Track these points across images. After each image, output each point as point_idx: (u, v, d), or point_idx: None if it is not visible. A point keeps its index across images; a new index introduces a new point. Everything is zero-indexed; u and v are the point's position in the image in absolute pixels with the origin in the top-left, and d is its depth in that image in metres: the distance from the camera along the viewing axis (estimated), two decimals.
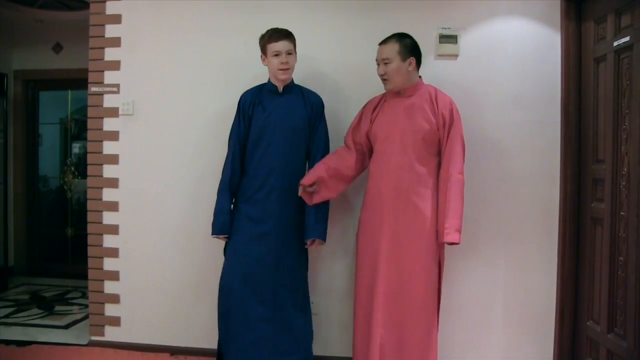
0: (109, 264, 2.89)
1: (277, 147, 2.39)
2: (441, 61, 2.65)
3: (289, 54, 2.36)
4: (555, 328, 2.59)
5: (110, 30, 2.87)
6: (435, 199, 2.28)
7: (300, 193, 2.38)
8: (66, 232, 4.82)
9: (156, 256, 2.84)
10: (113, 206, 2.88)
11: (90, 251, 2.91)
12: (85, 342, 2.94)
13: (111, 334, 2.90)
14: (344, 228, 2.71)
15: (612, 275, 2.22)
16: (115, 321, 2.89)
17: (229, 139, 2.47)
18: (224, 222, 2.40)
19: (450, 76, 2.62)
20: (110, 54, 2.87)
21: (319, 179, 2.37)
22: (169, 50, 2.83)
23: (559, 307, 2.57)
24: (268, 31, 2.38)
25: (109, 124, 2.88)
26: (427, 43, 2.62)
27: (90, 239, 2.91)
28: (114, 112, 2.87)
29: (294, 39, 2.40)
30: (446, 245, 2.33)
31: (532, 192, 2.61)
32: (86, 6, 2.98)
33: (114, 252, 2.88)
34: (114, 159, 2.88)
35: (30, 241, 4.78)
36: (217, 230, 2.41)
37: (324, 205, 2.45)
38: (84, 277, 2.98)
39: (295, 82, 2.52)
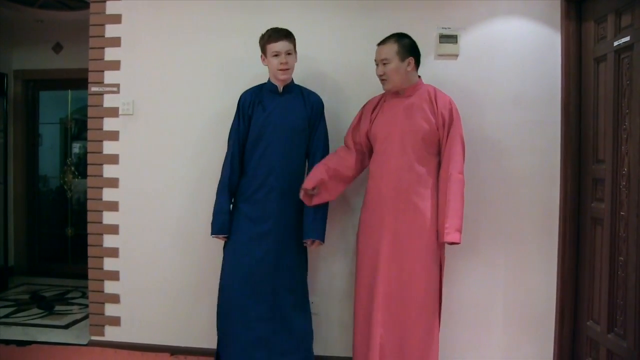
0: (109, 263, 2.89)
1: (276, 146, 2.39)
2: (441, 61, 2.65)
3: (289, 54, 2.36)
4: (555, 328, 2.59)
5: (111, 30, 2.87)
6: (435, 198, 2.28)
7: (301, 196, 2.37)
8: (66, 232, 4.83)
9: (156, 256, 2.84)
10: (113, 206, 2.88)
11: (90, 251, 2.91)
12: (85, 342, 2.94)
13: (111, 333, 2.90)
14: (344, 228, 2.71)
15: (612, 275, 2.22)
16: (115, 321, 2.89)
17: (229, 138, 2.47)
18: (223, 222, 2.40)
19: (451, 76, 2.62)
20: (110, 53, 2.87)
21: (320, 182, 2.36)
22: (169, 50, 2.83)
23: (559, 307, 2.57)
24: (268, 31, 2.38)
25: (109, 124, 2.88)
26: (427, 43, 2.62)
27: (90, 239, 2.91)
28: (114, 112, 2.87)
29: (294, 39, 2.40)
30: (446, 245, 2.33)
31: (532, 192, 2.61)
32: (86, 6, 2.98)
33: (114, 252, 2.88)
34: (114, 159, 2.88)
35: (30, 241, 4.78)
36: (216, 230, 2.41)
37: (323, 206, 2.45)
38: (84, 277, 2.98)
39: (296, 82, 2.52)
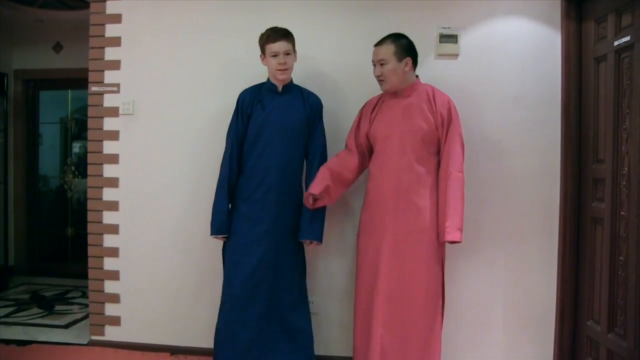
0: (109, 263, 2.89)
1: (275, 146, 2.38)
2: (441, 61, 2.65)
3: (287, 54, 2.36)
4: (555, 328, 2.59)
5: (111, 30, 2.87)
6: (435, 198, 2.28)
7: (310, 203, 2.36)
8: (66, 231, 4.83)
9: (156, 256, 2.84)
10: (113, 206, 2.88)
11: (91, 251, 2.91)
12: (85, 342, 2.94)
13: (111, 333, 2.90)
14: (344, 228, 2.71)
15: (613, 274, 2.22)
16: (116, 321, 2.89)
17: (227, 136, 2.47)
18: (222, 222, 2.40)
19: (451, 76, 2.62)
20: (110, 53, 2.87)
21: (325, 188, 2.35)
22: (169, 49, 2.83)
23: (559, 306, 2.57)
24: (267, 31, 2.38)
25: (109, 124, 2.88)
26: (427, 43, 2.62)
27: (91, 239, 2.91)
28: (114, 112, 2.87)
29: (293, 39, 2.40)
30: (447, 245, 2.33)
31: (532, 192, 2.61)
32: (86, 6, 2.98)
33: (114, 252, 2.88)
34: (114, 159, 2.88)
35: (31, 241, 4.78)
36: (215, 230, 2.41)
37: (321, 206, 2.45)
38: (84, 276, 2.98)
39: (295, 81, 2.52)
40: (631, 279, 2.07)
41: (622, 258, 2.16)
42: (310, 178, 2.44)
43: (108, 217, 2.88)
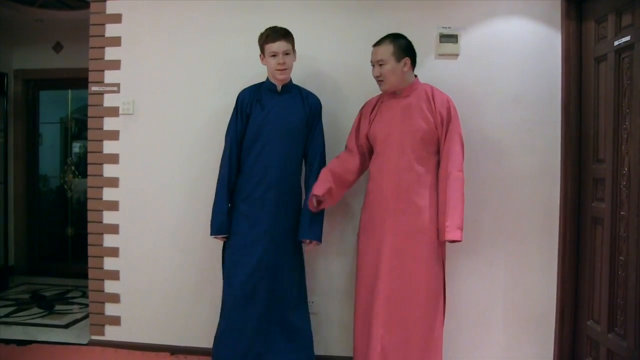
0: (109, 263, 2.88)
1: (274, 145, 2.38)
2: (442, 61, 2.65)
3: (287, 54, 2.36)
4: (555, 328, 2.59)
5: (111, 30, 2.87)
6: (436, 198, 2.28)
7: (314, 205, 2.36)
8: (66, 231, 4.83)
9: (156, 255, 2.84)
10: (113, 205, 2.88)
11: (91, 250, 2.91)
12: (85, 342, 2.94)
13: (111, 333, 2.90)
14: (344, 228, 2.71)
15: (613, 274, 2.22)
16: (116, 320, 2.89)
17: (226, 136, 2.47)
18: (222, 222, 2.40)
19: (451, 76, 2.62)
20: (110, 53, 2.87)
21: (328, 190, 2.36)
22: (169, 49, 2.83)
23: (559, 306, 2.57)
24: (266, 30, 2.38)
25: (109, 124, 2.88)
26: (427, 43, 2.62)
27: (91, 239, 2.91)
28: (114, 112, 2.87)
29: (292, 39, 2.39)
30: (447, 245, 2.33)
31: (532, 192, 2.61)
32: (86, 5, 2.97)
33: (114, 252, 2.88)
34: (114, 159, 2.87)
35: (31, 240, 4.78)
36: (215, 230, 2.41)
37: None
38: (84, 276, 2.98)
39: (295, 81, 2.52)
40: (631, 279, 2.07)
41: (622, 258, 2.16)
42: (310, 179, 2.44)
43: (108, 217, 2.88)
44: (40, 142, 4.81)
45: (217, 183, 2.45)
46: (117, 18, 2.86)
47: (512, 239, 2.62)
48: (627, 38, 2.13)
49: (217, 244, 2.51)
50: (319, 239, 2.44)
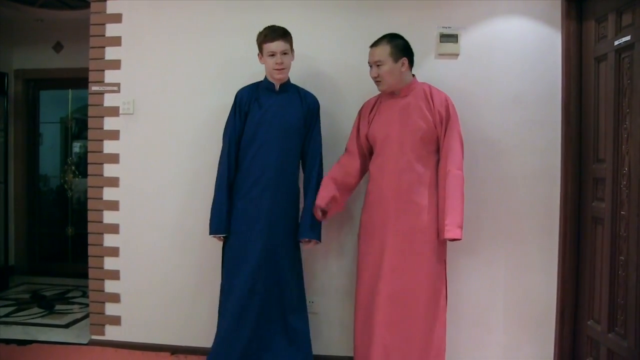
0: (109, 263, 2.89)
1: (272, 144, 2.38)
2: (442, 60, 2.65)
3: (285, 54, 2.36)
4: (555, 327, 2.59)
5: (111, 30, 2.87)
6: (436, 197, 2.28)
7: (320, 215, 2.37)
8: (66, 231, 4.83)
9: (157, 255, 2.84)
10: (113, 205, 2.88)
11: (91, 250, 2.91)
12: (85, 341, 2.94)
13: (111, 333, 2.90)
14: (343, 228, 2.71)
15: (613, 274, 2.22)
16: (116, 320, 2.89)
17: (224, 134, 2.47)
18: (220, 221, 2.40)
19: (451, 75, 2.62)
20: (110, 53, 2.87)
21: (332, 199, 2.37)
22: (170, 49, 2.83)
23: (559, 306, 2.57)
24: (264, 30, 2.38)
25: (109, 123, 2.88)
26: (427, 42, 2.62)
27: (91, 238, 2.91)
28: (114, 111, 2.87)
29: (291, 38, 2.39)
30: (448, 243, 2.32)
31: (533, 192, 2.61)
32: (87, 5, 2.98)
33: (114, 251, 2.88)
34: (114, 158, 2.88)
35: (31, 240, 4.78)
36: (213, 230, 2.42)
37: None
38: (85, 276, 2.98)
39: (294, 81, 2.52)
40: (631, 279, 2.07)
41: (622, 258, 2.16)
42: (310, 182, 2.45)
43: (108, 217, 2.88)
44: (40, 141, 4.81)
45: (216, 182, 2.45)
46: (117, 18, 2.86)
47: (512, 238, 2.62)
48: (628, 38, 2.13)
49: (217, 243, 2.51)
50: (319, 237, 2.44)
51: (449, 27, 2.64)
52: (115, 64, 2.86)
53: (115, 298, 2.88)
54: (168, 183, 2.83)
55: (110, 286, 2.89)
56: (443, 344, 2.29)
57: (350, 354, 2.48)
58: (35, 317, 3.44)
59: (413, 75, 2.39)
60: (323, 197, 2.37)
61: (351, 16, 2.70)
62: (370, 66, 2.34)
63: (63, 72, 4.52)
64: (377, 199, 2.34)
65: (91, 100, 2.90)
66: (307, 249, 2.50)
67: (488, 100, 2.62)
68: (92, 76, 2.89)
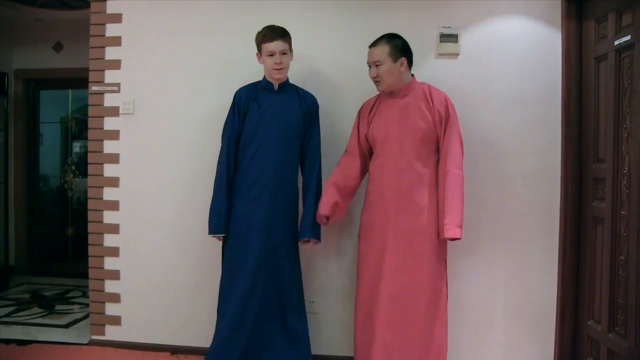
0: (109, 263, 2.89)
1: (270, 144, 2.38)
2: (442, 60, 2.65)
3: (284, 53, 2.36)
4: (555, 327, 2.59)
5: (111, 30, 2.87)
6: (436, 197, 2.28)
7: (324, 222, 2.39)
8: (67, 231, 4.83)
9: (157, 255, 2.84)
10: (113, 205, 2.88)
11: (91, 250, 2.91)
12: (85, 341, 2.94)
13: (112, 333, 2.90)
14: (343, 228, 2.71)
15: (613, 274, 2.22)
16: (116, 320, 2.89)
17: (223, 134, 2.47)
18: (220, 221, 2.40)
19: (451, 75, 2.62)
20: (110, 53, 2.87)
21: (335, 205, 2.38)
22: (170, 49, 2.83)
23: (559, 306, 2.57)
24: (263, 29, 2.38)
25: (109, 123, 2.88)
26: (427, 42, 2.62)
27: (91, 238, 2.91)
28: (114, 111, 2.87)
29: (289, 38, 2.39)
30: (448, 243, 2.32)
31: (533, 192, 2.61)
32: (87, 5, 2.98)
33: (114, 251, 2.88)
34: (114, 158, 2.88)
35: (31, 240, 4.78)
36: (212, 229, 2.42)
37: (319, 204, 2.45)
38: (85, 276, 2.98)
39: (294, 81, 2.52)
40: (632, 279, 2.07)
41: (622, 257, 2.16)
42: (309, 181, 2.45)
43: (108, 217, 2.88)
44: (40, 141, 4.81)
45: (215, 182, 2.45)
46: (117, 18, 2.86)
47: (512, 238, 2.62)
48: (628, 38, 2.13)
49: (217, 243, 2.51)
50: (319, 237, 2.45)
51: (449, 27, 2.64)
52: (115, 64, 2.86)
53: (115, 298, 2.88)
54: (168, 183, 2.83)
55: (110, 286, 2.89)
56: (444, 344, 2.29)
57: (351, 354, 2.48)
58: (36, 317, 3.44)
59: (412, 75, 2.39)
60: (326, 203, 2.38)
61: (351, 16, 2.70)
62: (370, 66, 2.34)
63: (63, 72, 4.52)
64: (377, 199, 2.34)
65: (91, 100, 2.90)
66: (306, 249, 2.50)
67: (488, 100, 2.62)
68: (92, 76, 2.89)
